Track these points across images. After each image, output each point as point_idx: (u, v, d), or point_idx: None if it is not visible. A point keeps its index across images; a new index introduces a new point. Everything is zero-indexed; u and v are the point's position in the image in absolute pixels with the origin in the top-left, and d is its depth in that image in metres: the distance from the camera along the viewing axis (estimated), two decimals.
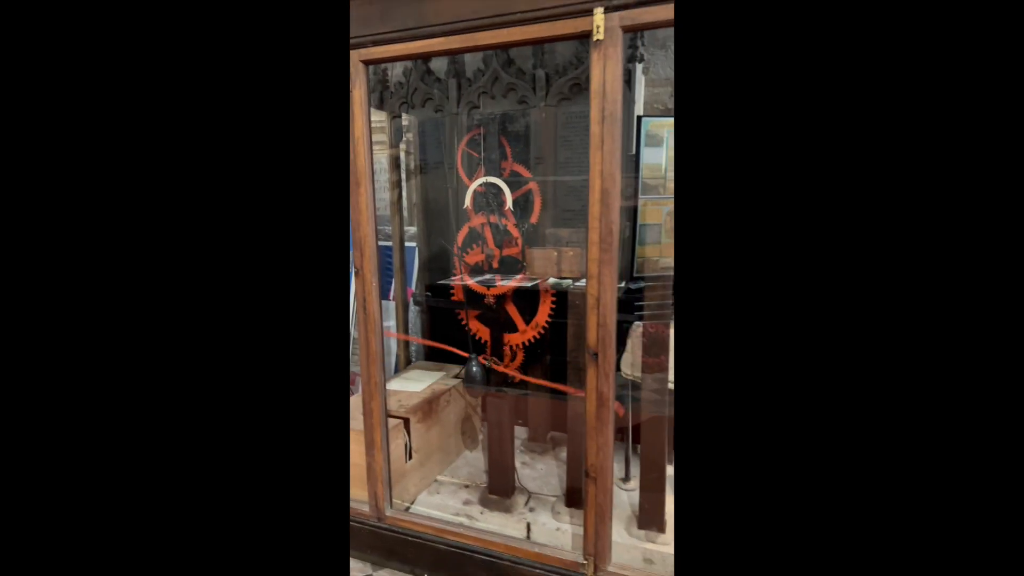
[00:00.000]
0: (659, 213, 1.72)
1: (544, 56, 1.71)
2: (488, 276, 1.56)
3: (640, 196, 1.64)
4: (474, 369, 1.54)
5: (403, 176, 2.15)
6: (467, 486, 1.74)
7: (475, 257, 1.53)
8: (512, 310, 1.55)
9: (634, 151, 1.55)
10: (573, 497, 1.56)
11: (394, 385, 1.93)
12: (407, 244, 2.23)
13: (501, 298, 1.54)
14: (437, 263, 2.30)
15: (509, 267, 1.52)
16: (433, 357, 2.36)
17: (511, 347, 1.60)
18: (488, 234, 1.49)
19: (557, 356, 1.57)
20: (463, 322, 1.65)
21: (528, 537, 1.48)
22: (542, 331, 1.55)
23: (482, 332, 1.64)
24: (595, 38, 1.02)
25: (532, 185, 1.50)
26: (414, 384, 1.93)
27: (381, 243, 2.23)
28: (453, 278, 1.62)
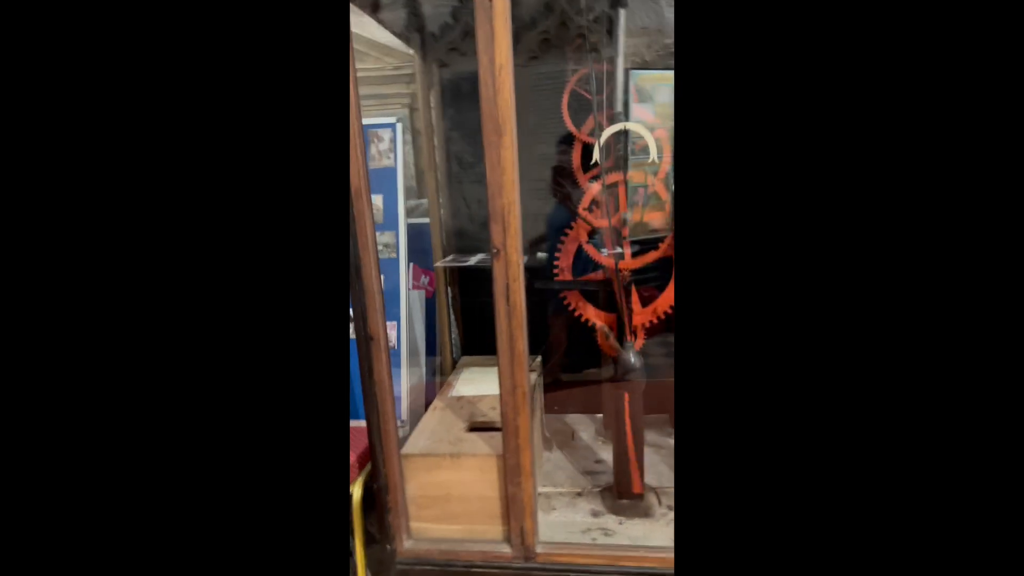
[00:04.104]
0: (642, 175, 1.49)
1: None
2: (613, 249, 1.29)
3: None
4: (632, 359, 1.27)
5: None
6: (580, 494, 1.49)
7: (598, 223, 1.26)
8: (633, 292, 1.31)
9: (622, 107, 1.29)
10: None
11: (464, 389, 1.60)
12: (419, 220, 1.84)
13: (636, 273, 1.29)
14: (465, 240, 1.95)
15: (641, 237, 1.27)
16: (471, 350, 2.03)
17: (633, 328, 1.36)
18: (622, 195, 1.22)
19: None
20: (568, 305, 1.37)
21: None
22: (663, 315, 1.33)
23: (590, 313, 1.37)
24: None
25: (661, 133, 1.25)
26: (487, 385, 1.61)
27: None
28: (559, 254, 1.33)
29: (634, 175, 1.22)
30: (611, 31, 1.80)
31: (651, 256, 1.26)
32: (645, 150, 1.22)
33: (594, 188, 1.22)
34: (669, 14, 1.95)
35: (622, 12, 1.71)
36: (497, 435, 1.26)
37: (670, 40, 1.93)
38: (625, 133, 1.21)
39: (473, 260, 1.85)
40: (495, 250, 1.02)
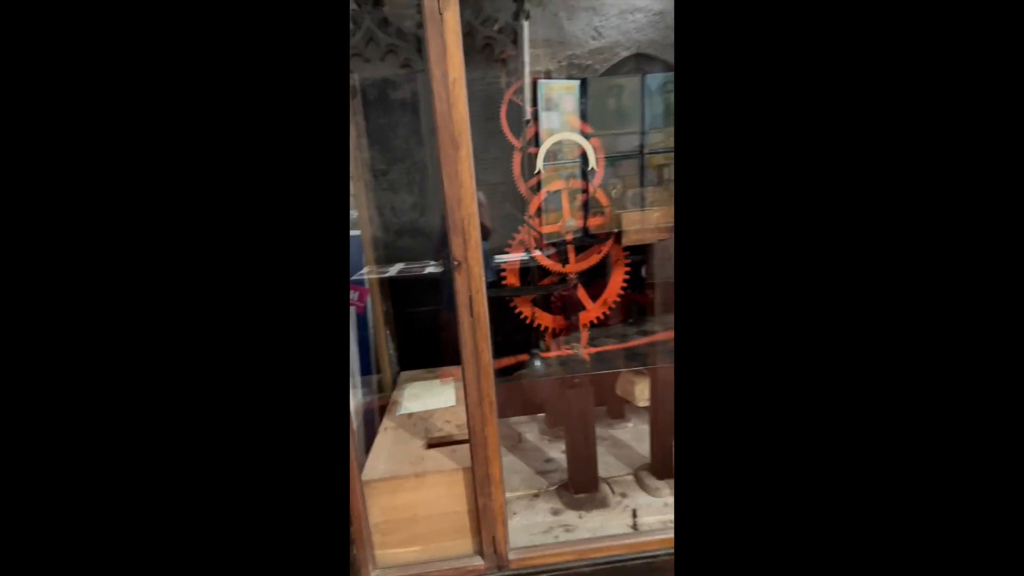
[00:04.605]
0: (561, 181, 1.61)
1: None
2: (541, 253, 1.33)
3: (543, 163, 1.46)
4: (536, 364, 1.33)
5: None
6: (537, 495, 1.52)
7: (547, 229, 1.29)
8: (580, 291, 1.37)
9: (529, 116, 1.37)
10: (667, 467, 1.50)
11: (412, 406, 1.55)
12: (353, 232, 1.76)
13: (580, 274, 1.34)
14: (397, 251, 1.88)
15: (580, 241, 1.33)
16: (408, 364, 1.96)
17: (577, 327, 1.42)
18: (565, 202, 1.26)
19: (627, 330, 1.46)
20: (515, 308, 1.40)
21: (635, 526, 1.38)
22: (614, 306, 1.41)
23: (544, 319, 1.41)
24: None
25: (594, 142, 1.32)
26: (436, 399, 1.58)
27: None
28: (504, 259, 1.35)
29: (576, 183, 1.27)
30: (515, 42, 1.86)
31: (594, 258, 1.32)
32: (582, 158, 1.28)
33: (540, 196, 1.25)
34: (569, 27, 2.04)
35: (526, 24, 1.77)
36: (459, 449, 1.25)
37: (571, 51, 2.03)
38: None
39: (393, 270, 1.80)
40: (456, 262, 1.01)
